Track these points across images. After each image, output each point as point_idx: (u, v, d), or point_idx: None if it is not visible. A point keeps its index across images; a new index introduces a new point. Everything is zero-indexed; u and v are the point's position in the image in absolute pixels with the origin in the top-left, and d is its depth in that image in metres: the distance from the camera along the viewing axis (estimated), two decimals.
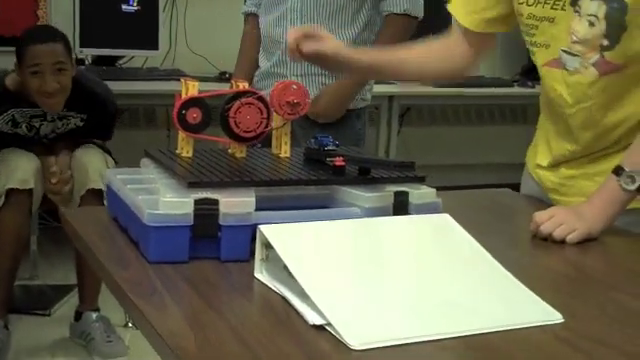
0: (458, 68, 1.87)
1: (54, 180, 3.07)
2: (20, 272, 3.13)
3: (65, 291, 3.50)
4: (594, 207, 1.56)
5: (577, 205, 1.61)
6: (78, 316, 3.13)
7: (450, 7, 1.85)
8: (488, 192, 1.98)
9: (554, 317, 1.14)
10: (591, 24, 1.58)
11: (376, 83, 2.95)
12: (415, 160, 1.48)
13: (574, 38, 1.60)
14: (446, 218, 1.34)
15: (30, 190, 3.02)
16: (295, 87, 1.57)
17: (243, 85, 1.54)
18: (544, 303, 1.17)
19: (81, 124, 3.21)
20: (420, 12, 2.66)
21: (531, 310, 1.16)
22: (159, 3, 4.23)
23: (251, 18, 2.80)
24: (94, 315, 3.09)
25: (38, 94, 3.00)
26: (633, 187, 1.54)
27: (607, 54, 1.59)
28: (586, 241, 1.52)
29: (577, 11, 1.59)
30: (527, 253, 1.50)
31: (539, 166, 1.82)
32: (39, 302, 3.41)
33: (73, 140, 3.23)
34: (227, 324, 1.09)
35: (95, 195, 3.00)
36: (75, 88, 3.09)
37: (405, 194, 1.42)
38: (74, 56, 3.26)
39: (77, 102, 3.13)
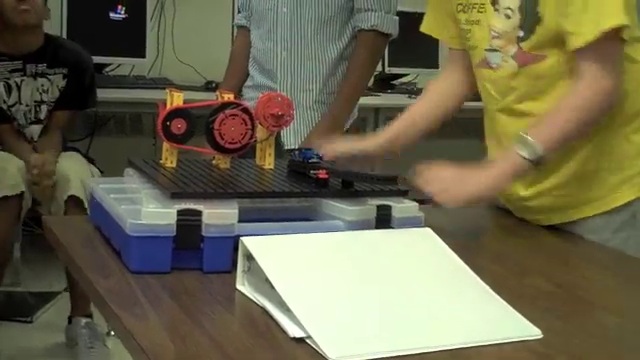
0: (463, 93, 1.93)
1: (35, 172, 3.07)
2: (2, 279, 3.12)
3: (47, 298, 3.49)
4: (484, 171, 1.62)
5: (466, 169, 1.65)
6: (70, 321, 3.12)
7: (426, 29, 1.93)
8: (468, 207, 1.99)
9: (533, 332, 1.15)
10: (507, 17, 1.66)
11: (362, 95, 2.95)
12: (400, 172, 1.49)
13: (494, 34, 1.69)
14: (427, 232, 1.35)
15: (21, 194, 3.02)
16: (279, 99, 1.58)
17: (228, 97, 1.55)
18: (523, 318, 1.18)
19: (63, 83, 3.27)
20: (392, 29, 2.63)
21: (510, 325, 1.16)
22: (147, 11, 4.23)
23: (242, 31, 2.81)
24: (83, 321, 3.08)
25: (13, 8, 3.13)
26: (525, 153, 1.57)
27: (523, 45, 1.65)
28: (559, 252, 1.55)
29: (497, 9, 1.68)
30: (508, 268, 1.51)
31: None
32: (21, 309, 3.40)
33: (57, 137, 3.26)
34: (207, 335, 1.09)
35: (76, 202, 3.00)
36: (52, 44, 3.28)
37: (388, 208, 1.43)
38: None
39: (56, 57, 3.26)
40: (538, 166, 1.59)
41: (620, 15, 1.54)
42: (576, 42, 1.57)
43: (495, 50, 1.70)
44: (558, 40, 1.62)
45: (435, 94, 1.94)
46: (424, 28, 1.93)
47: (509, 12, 1.65)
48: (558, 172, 1.71)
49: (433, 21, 1.91)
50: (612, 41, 1.57)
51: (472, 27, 1.74)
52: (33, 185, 3.10)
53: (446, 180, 1.60)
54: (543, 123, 1.61)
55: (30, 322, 3.32)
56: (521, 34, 1.65)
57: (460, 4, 1.77)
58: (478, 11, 1.72)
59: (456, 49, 1.88)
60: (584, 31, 1.55)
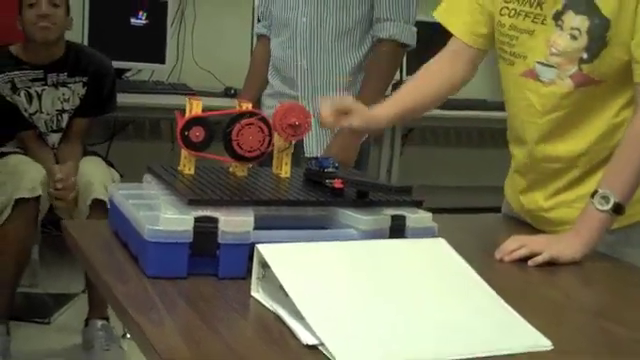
0: (455, 85, 1.92)
1: (60, 186, 3.11)
2: (20, 280, 3.15)
3: (65, 300, 3.52)
4: (573, 232, 1.61)
5: (554, 235, 1.66)
6: (86, 323, 3.16)
7: (441, 16, 1.90)
8: (484, 217, 2.00)
9: (543, 343, 1.16)
10: (573, 37, 1.65)
11: None
12: (417, 181, 1.51)
13: (553, 50, 1.67)
14: (441, 242, 1.36)
15: (38, 198, 3.05)
16: (297, 109, 1.60)
17: (246, 106, 1.57)
18: (534, 329, 1.19)
19: (83, 91, 3.30)
20: (410, 40, 2.64)
21: (521, 336, 1.18)
22: (167, 17, 4.27)
23: (262, 39, 2.83)
24: (99, 323, 3.10)
25: (34, 24, 3.17)
26: (607, 207, 1.59)
27: (585, 67, 1.65)
28: (571, 265, 1.57)
29: (559, 25, 1.66)
30: (520, 279, 1.52)
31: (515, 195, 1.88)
32: (39, 310, 3.43)
33: (78, 146, 3.29)
34: (222, 341, 1.12)
35: (100, 205, 3.03)
36: (73, 51, 3.31)
37: (402, 218, 1.44)
38: None
39: (76, 66, 3.29)
40: (620, 213, 1.60)
41: None
42: None
43: (551, 66, 1.68)
44: (621, 67, 1.63)
45: (435, 80, 1.90)
46: (438, 14, 1.90)
47: (576, 33, 1.64)
48: (582, 184, 1.71)
49: (452, 9, 1.88)
50: None
51: (520, 35, 1.72)
52: (56, 200, 3.13)
53: (544, 241, 1.61)
54: (613, 171, 1.62)
55: (47, 323, 3.35)
56: (585, 56, 1.64)
57: (507, 7, 1.74)
58: (533, 21, 1.69)
59: (466, 43, 1.86)
60: None
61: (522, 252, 1.57)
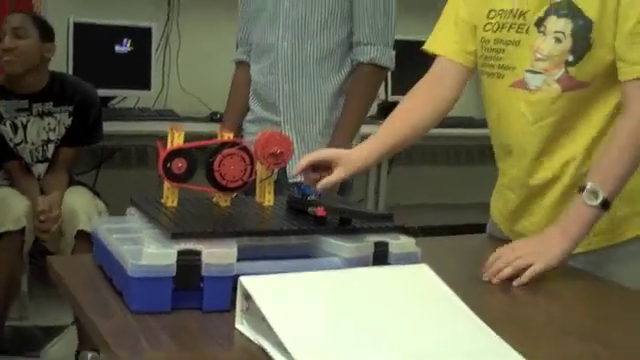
0: (445, 108, 1.92)
1: (42, 218, 3.10)
2: (9, 313, 3.13)
3: (55, 333, 3.49)
4: (559, 230, 1.60)
5: (539, 234, 1.65)
6: (77, 355, 3.14)
7: (430, 46, 1.91)
8: (469, 239, 2.01)
9: None
10: (558, 40, 1.66)
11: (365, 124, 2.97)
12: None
13: (538, 56, 1.68)
14: (424, 269, 1.36)
15: (23, 229, 3.04)
16: (278, 137, 1.60)
17: (228, 136, 1.58)
18: (518, 355, 1.19)
19: (69, 121, 3.29)
20: (389, 63, 2.66)
21: None
22: (152, 43, 4.28)
23: (242, 66, 2.84)
24: (89, 355, 3.09)
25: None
26: (596, 202, 1.58)
27: (571, 69, 1.66)
28: (557, 282, 1.57)
29: (542, 31, 1.68)
30: (504, 302, 1.53)
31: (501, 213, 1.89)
32: (29, 343, 3.41)
33: (64, 176, 3.28)
34: None
35: (86, 237, 3.02)
36: (58, 81, 3.32)
37: (385, 244, 1.45)
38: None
39: (62, 95, 3.30)
40: (606, 209, 1.60)
41: None
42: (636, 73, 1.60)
43: (537, 72, 1.70)
44: (607, 68, 1.64)
45: (417, 113, 1.89)
46: (427, 46, 1.91)
47: (560, 36, 1.66)
48: (565, 203, 1.70)
49: (438, 36, 1.90)
50: None
51: (507, 47, 1.74)
52: (40, 233, 3.12)
53: (528, 249, 1.60)
54: (602, 167, 1.62)
55: (37, 357, 3.32)
56: (570, 58, 1.66)
57: (490, 23, 1.76)
58: (517, 31, 1.72)
59: (457, 62, 1.87)
60: None
61: (507, 272, 1.57)
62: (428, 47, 1.92)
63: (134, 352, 1.19)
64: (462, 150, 5.28)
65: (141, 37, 4.25)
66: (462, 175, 5.19)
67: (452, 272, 1.39)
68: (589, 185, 1.59)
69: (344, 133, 2.63)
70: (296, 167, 1.78)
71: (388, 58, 2.65)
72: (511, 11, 1.72)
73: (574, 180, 1.72)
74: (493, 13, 1.77)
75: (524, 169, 1.78)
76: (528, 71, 1.71)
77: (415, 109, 1.90)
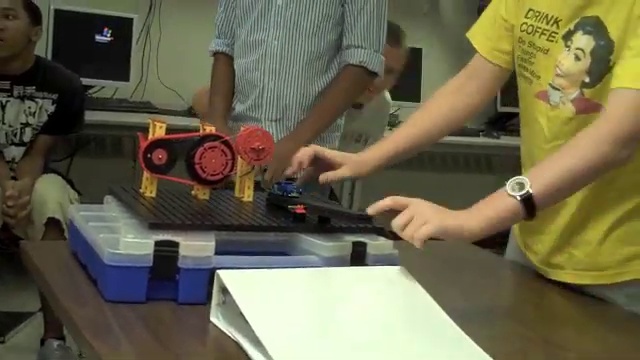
0: (463, 117, 1.82)
1: (10, 203, 3.07)
2: None
3: (21, 319, 3.46)
4: (472, 208, 1.43)
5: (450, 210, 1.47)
6: (42, 343, 3.11)
7: (470, 36, 1.82)
8: (445, 243, 2.01)
9: None
10: (577, 58, 1.57)
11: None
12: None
13: (558, 71, 1.60)
14: (401, 271, 1.37)
15: None
16: (260, 133, 1.60)
17: (210, 129, 1.57)
18: (491, 359, 1.20)
19: (52, 109, 3.26)
20: (378, 68, 2.63)
21: None
22: (133, 35, 4.25)
23: (222, 57, 2.78)
24: (55, 344, 3.06)
25: None
26: (518, 193, 1.40)
27: (587, 91, 1.57)
28: (529, 292, 1.56)
29: (568, 45, 1.58)
30: (480, 306, 1.53)
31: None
32: None
33: (39, 163, 3.25)
34: None
35: (56, 224, 2.99)
36: (42, 67, 3.27)
37: (363, 245, 1.45)
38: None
39: (45, 81, 3.25)
40: (531, 211, 1.41)
41: None
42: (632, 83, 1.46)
43: (556, 89, 1.61)
44: None
45: (434, 120, 1.79)
46: (471, 34, 1.81)
47: (580, 53, 1.56)
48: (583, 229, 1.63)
49: (481, 29, 1.80)
50: None
51: (537, 53, 1.64)
52: (7, 217, 3.09)
53: (422, 215, 1.39)
54: (539, 167, 1.49)
55: (2, 342, 3.29)
56: (587, 80, 1.56)
57: (525, 24, 1.67)
58: (548, 39, 1.62)
59: (490, 61, 1.77)
60: None
61: (387, 203, 1.42)
62: (469, 35, 1.82)
63: (107, 340, 1.18)
64: (437, 157, 5.30)
65: (122, 27, 4.22)
66: (437, 182, 5.21)
67: (430, 275, 1.39)
68: (519, 177, 1.43)
69: (311, 124, 2.57)
70: (302, 152, 1.70)
71: (377, 63, 2.63)
72: (546, 16, 1.63)
73: (586, 213, 1.63)
74: (531, 13, 1.66)
75: None
76: (550, 85, 1.62)
77: (435, 116, 1.81)
